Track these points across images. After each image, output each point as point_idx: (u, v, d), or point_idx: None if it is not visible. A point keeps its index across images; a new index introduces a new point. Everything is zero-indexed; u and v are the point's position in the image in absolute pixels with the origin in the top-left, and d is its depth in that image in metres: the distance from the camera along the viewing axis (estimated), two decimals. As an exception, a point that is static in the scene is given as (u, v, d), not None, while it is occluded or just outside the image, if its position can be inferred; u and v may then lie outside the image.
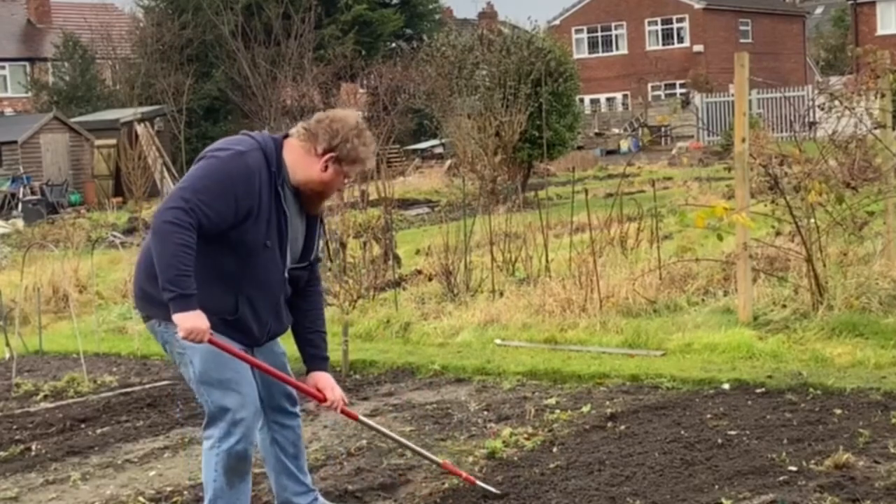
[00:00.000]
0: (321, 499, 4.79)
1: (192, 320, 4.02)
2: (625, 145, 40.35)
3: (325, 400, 4.47)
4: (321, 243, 4.52)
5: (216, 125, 38.60)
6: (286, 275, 4.33)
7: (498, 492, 4.93)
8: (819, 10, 70.97)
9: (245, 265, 4.19)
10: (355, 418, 4.83)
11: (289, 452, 4.61)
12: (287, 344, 4.62)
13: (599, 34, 54.07)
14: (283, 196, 4.21)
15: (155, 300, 4.21)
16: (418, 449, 5.14)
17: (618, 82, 52.18)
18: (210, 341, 4.11)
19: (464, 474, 5.02)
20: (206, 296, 4.09)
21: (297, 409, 4.68)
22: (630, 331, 7.96)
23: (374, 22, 41.86)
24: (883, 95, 8.69)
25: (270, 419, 4.56)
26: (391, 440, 5.15)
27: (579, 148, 32.43)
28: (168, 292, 4.01)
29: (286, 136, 4.32)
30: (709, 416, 5.95)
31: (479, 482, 4.98)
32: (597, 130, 43.52)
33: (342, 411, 4.55)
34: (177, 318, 4.02)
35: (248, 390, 4.30)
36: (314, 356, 4.52)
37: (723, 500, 4.62)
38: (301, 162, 4.23)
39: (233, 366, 4.25)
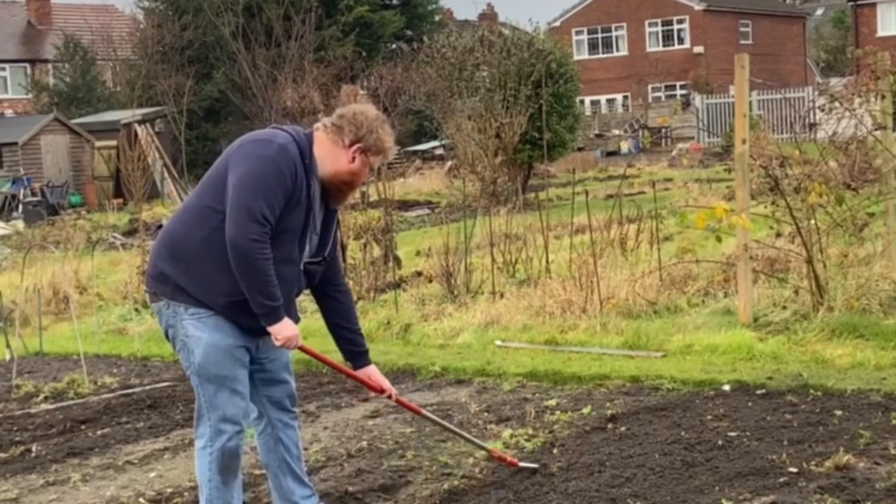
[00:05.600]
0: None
1: (287, 329, 4.25)
2: (625, 147, 40.33)
3: (383, 391, 4.70)
4: (336, 241, 4.60)
5: (216, 126, 38.63)
6: (301, 267, 4.39)
7: (536, 466, 5.26)
8: (819, 12, 71.01)
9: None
10: (414, 409, 5.08)
11: (293, 453, 4.62)
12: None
13: (600, 35, 54.08)
14: (312, 189, 4.30)
15: (168, 280, 4.28)
16: (472, 439, 5.38)
17: (618, 84, 52.18)
18: (301, 348, 4.36)
19: (508, 458, 5.28)
20: (221, 276, 4.17)
21: (297, 411, 4.70)
22: (630, 332, 7.96)
23: (375, 23, 41.84)
24: (883, 97, 8.68)
25: (275, 418, 4.57)
26: (449, 431, 5.40)
27: (579, 149, 32.39)
28: (261, 307, 4.16)
29: (311, 131, 4.41)
30: (709, 417, 5.95)
31: (522, 463, 5.28)
32: (597, 132, 43.52)
33: (398, 401, 4.86)
34: (273, 329, 4.22)
35: (241, 389, 4.35)
36: (360, 353, 4.67)
37: (723, 501, 4.62)
38: (330, 154, 4.33)
39: (231, 363, 4.30)
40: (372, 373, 4.68)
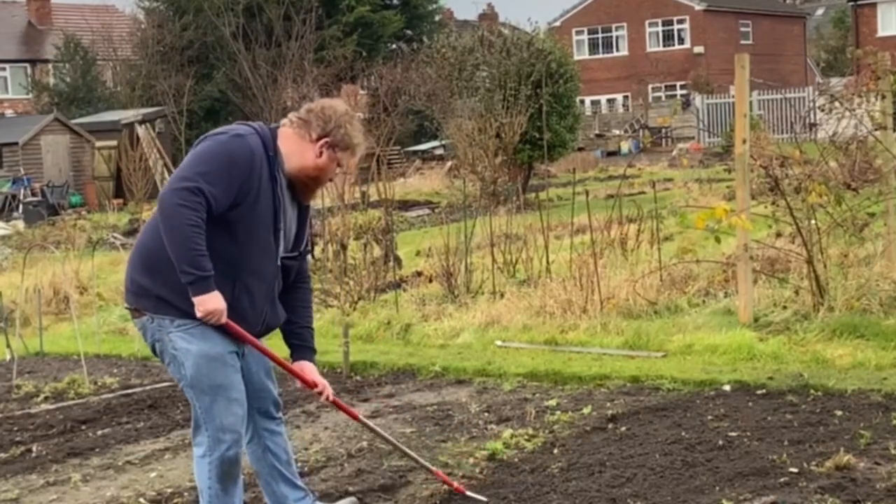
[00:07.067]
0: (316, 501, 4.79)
1: (211, 302, 4.07)
2: (625, 147, 40.34)
3: (315, 386, 4.47)
4: (309, 236, 4.54)
5: (217, 126, 38.39)
6: (279, 263, 4.33)
7: (485, 499, 4.94)
8: (819, 12, 70.99)
9: (242, 250, 4.19)
10: (351, 414, 4.83)
11: (282, 459, 4.59)
12: (275, 344, 4.63)
13: (600, 35, 54.08)
14: (279, 182, 4.23)
15: (148, 293, 4.20)
16: (411, 453, 5.14)
17: (618, 84, 52.17)
18: (226, 324, 4.14)
19: (455, 485, 5.02)
20: None
21: (282, 416, 4.66)
22: (631, 332, 7.96)
23: (375, 23, 41.87)
24: (883, 97, 8.68)
25: (261, 427, 4.53)
26: (387, 442, 5.17)
27: (580, 149, 32.38)
28: (187, 275, 4.02)
29: (278, 126, 4.36)
30: (709, 417, 5.95)
31: (468, 493, 4.99)
32: (597, 132, 43.52)
33: (334, 402, 4.57)
34: (197, 300, 4.06)
35: (237, 395, 4.29)
36: (301, 346, 4.52)
37: (723, 501, 4.62)
38: (296, 149, 4.26)
39: (224, 372, 4.24)
40: (306, 367, 4.48)
